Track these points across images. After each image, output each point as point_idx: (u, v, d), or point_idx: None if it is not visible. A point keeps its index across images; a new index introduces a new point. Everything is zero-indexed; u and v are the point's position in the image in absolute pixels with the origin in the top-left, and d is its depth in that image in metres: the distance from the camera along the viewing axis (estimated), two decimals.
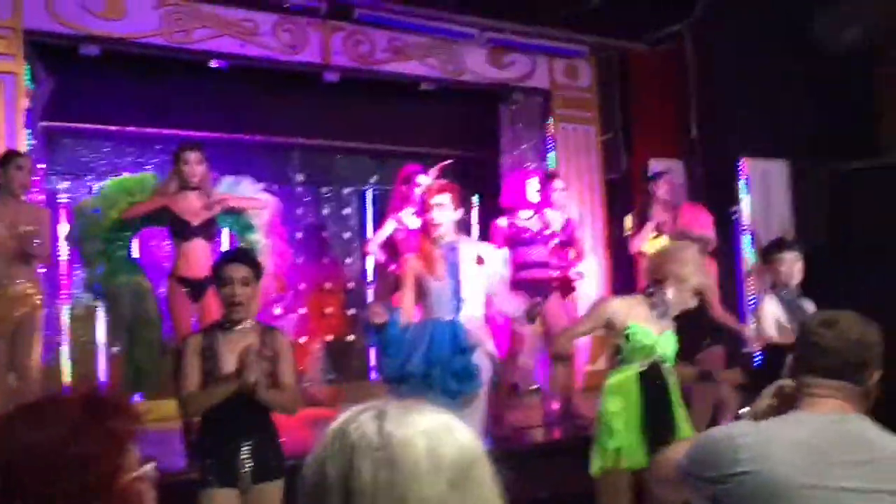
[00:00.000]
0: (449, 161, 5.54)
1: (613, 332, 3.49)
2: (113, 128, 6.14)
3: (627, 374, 3.45)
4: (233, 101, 6.32)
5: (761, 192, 6.95)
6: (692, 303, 3.57)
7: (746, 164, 7.02)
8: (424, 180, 5.34)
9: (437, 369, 3.89)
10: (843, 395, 1.89)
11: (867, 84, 7.32)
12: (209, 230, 4.79)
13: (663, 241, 6.16)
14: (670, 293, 3.47)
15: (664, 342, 3.51)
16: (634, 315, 3.48)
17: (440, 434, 0.98)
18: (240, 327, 3.30)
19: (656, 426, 3.40)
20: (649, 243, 6.11)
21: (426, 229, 4.11)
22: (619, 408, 3.40)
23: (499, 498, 1.00)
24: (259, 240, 5.07)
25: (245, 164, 6.66)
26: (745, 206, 6.95)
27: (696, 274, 3.53)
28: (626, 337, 3.44)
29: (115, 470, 1.19)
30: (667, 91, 7.56)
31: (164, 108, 6.08)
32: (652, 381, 3.45)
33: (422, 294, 4.05)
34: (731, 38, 7.16)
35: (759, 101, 6.96)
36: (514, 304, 4.36)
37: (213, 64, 6.02)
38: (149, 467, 1.26)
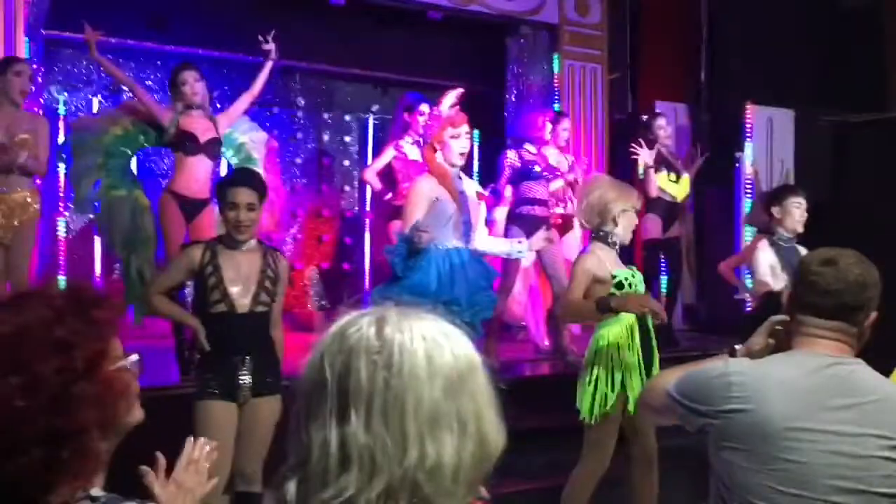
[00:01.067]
0: (463, 90, 5.46)
1: (601, 285, 3.45)
2: (113, 40, 6.02)
3: (627, 322, 3.45)
4: (235, 20, 6.19)
5: (765, 140, 6.90)
6: (635, 223, 3.65)
7: (752, 111, 6.95)
8: (426, 109, 5.27)
9: (482, 296, 3.88)
10: (838, 337, 1.88)
11: (875, 38, 7.22)
12: (214, 150, 4.75)
13: (684, 183, 6.17)
14: (620, 227, 3.52)
15: (639, 278, 3.56)
16: (610, 262, 3.50)
17: (438, 340, 0.98)
18: (245, 246, 3.31)
19: (648, 368, 3.46)
20: (671, 186, 6.11)
21: (446, 157, 3.98)
22: (618, 356, 3.43)
23: (491, 408, 1.00)
24: (259, 172, 5.02)
25: (245, 84, 6.58)
26: (749, 152, 6.91)
27: (630, 195, 3.64)
28: (618, 286, 3.43)
29: (98, 355, 1.22)
30: (676, 34, 7.45)
31: (165, 24, 5.96)
32: (643, 323, 3.48)
33: (436, 220, 3.91)
34: None
35: (768, 49, 6.87)
36: (497, 243, 4.34)
37: None
38: (133, 358, 1.29)
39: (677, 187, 6.17)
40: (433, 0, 6.67)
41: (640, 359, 3.46)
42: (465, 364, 0.99)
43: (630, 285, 3.46)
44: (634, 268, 3.64)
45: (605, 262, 3.48)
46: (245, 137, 5.15)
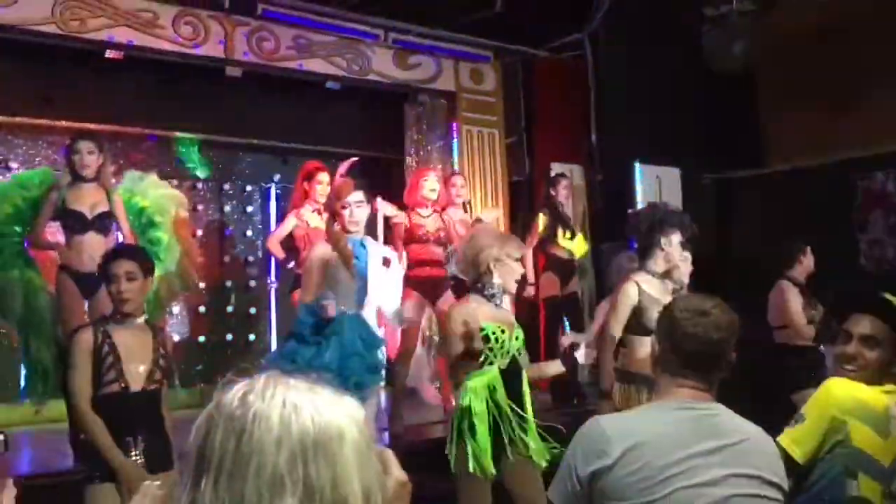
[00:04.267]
0: (356, 159, 5.56)
1: (470, 337, 3.38)
2: (2, 117, 5.90)
3: (491, 374, 3.34)
4: (130, 93, 6.17)
5: (655, 196, 7.22)
6: (519, 272, 3.52)
7: (641, 169, 7.29)
8: (325, 178, 5.34)
9: (355, 362, 3.89)
10: (702, 385, 1.97)
11: (750, 100, 7.73)
12: (104, 223, 4.67)
13: (580, 241, 6.38)
14: (496, 277, 3.43)
15: (517, 334, 3.50)
16: (482, 314, 3.41)
17: (298, 406, 1.00)
18: (134, 321, 3.27)
19: (515, 420, 3.36)
20: (568, 243, 6.30)
21: (342, 224, 4.07)
22: (482, 409, 3.30)
23: (359, 473, 1.00)
24: (162, 237, 4.97)
25: (143, 158, 6.54)
26: (639, 208, 7.19)
27: (506, 244, 3.50)
28: (485, 339, 3.36)
29: None
30: (568, 97, 7.78)
31: (58, 98, 5.89)
32: (511, 376, 3.41)
33: (330, 286, 4.00)
34: (629, 48, 7.45)
35: (653, 109, 7.25)
36: (406, 308, 4.40)
37: (109, 54, 5.85)
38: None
39: (573, 245, 6.39)
40: (331, 71, 6.80)
41: (509, 408, 3.32)
42: (324, 430, 1.00)
43: (497, 340, 3.35)
44: (515, 325, 3.52)
45: (476, 314, 3.37)
46: (147, 201, 5.06)
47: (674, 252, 4.03)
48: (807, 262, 5.34)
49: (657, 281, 4.02)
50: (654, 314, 3.81)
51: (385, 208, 5.72)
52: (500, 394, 3.32)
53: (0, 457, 1.34)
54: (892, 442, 2.27)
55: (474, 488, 3.35)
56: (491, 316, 3.44)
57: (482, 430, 3.27)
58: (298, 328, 3.98)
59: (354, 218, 4.05)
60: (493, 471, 3.32)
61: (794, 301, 5.20)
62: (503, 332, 3.40)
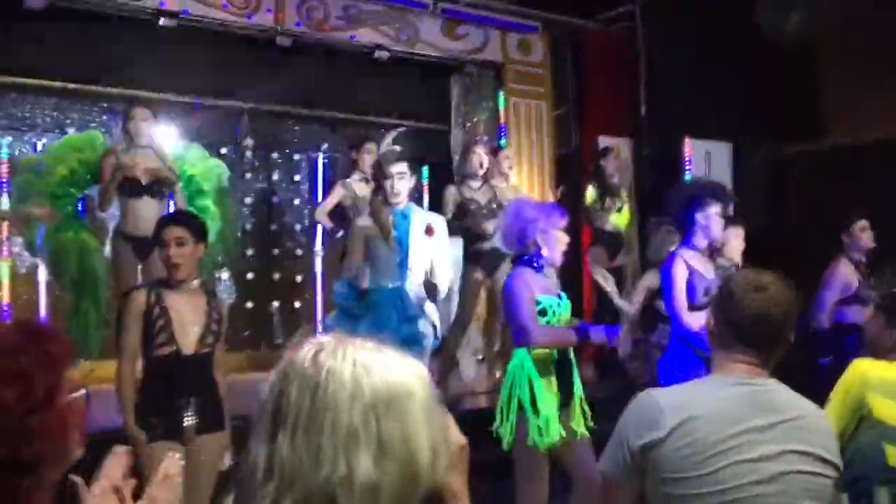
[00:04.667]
0: (402, 129, 5.57)
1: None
2: (57, 83, 6.01)
3: (543, 353, 3.37)
4: (182, 61, 6.21)
5: (704, 172, 7.12)
6: (564, 242, 3.52)
7: (691, 144, 7.18)
8: (373, 147, 5.36)
9: (383, 335, 3.93)
10: (757, 360, 1.96)
11: (807, 73, 7.53)
12: (159, 189, 4.76)
13: (625, 213, 6.34)
14: (543, 249, 3.44)
15: (565, 305, 3.52)
16: (538, 288, 3.43)
17: (369, 366, 1.04)
18: (187, 286, 3.32)
19: (568, 393, 3.44)
20: (618, 217, 6.27)
21: (384, 196, 4.11)
22: (543, 384, 3.35)
23: (426, 432, 1.04)
24: (208, 206, 5.05)
25: (193, 125, 6.61)
26: None
27: (551, 215, 3.50)
28: (542, 312, 3.38)
29: (54, 387, 1.28)
30: (617, 70, 7.67)
31: (111, 65, 5.97)
32: (563, 351, 3.45)
33: (370, 258, 4.07)
34: (680, 21, 7.29)
35: (705, 82, 7.10)
36: (450, 276, 4.40)
37: (162, 22, 5.91)
38: (81, 393, 1.33)
39: (619, 217, 6.34)
40: (379, 41, 6.79)
41: (558, 390, 3.38)
42: (395, 390, 1.04)
43: (553, 313, 3.40)
44: (564, 295, 3.55)
45: (531, 286, 3.39)
46: (196, 169, 5.16)
47: (713, 225, 3.94)
48: (864, 237, 5.14)
49: (700, 255, 3.96)
50: (700, 289, 3.80)
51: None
52: (550, 372, 3.37)
53: (81, 412, 1.38)
54: None
55: (534, 462, 3.35)
56: (543, 287, 3.46)
57: (546, 401, 3.29)
58: (337, 300, 4.05)
59: (396, 189, 4.05)
60: (556, 444, 3.33)
61: (837, 279, 5.04)
62: (559, 304, 3.45)
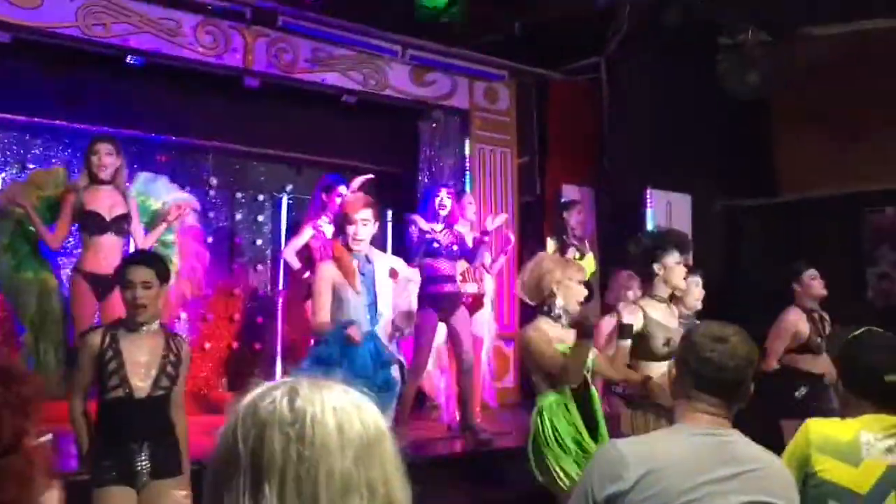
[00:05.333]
0: (371, 176, 5.61)
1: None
2: (21, 118, 5.95)
3: (565, 392, 3.55)
4: (148, 99, 6.20)
5: (665, 221, 7.25)
6: (581, 294, 3.68)
7: (652, 195, 7.32)
8: (344, 191, 5.38)
9: (361, 384, 3.89)
10: (720, 411, 1.99)
11: (765, 129, 7.77)
12: (121, 226, 4.69)
13: (589, 260, 6.41)
14: (560, 300, 3.60)
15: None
16: (555, 337, 3.58)
17: (348, 410, 1.03)
18: (146, 328, 3.29)
19: (592, 440, 3.52)
20: (584, 263, 6.33)
21: (346, 241, 4.12)
22: (566, 426, 3.49)
23: (399, 473, 1.05)
24: (172, 240, 5.00)
25: (158, 163, 6.57)
26: None
27: (568, 267, 3.71)
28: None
29: (23, 430, 1.24)
30: (581, 120, 7.82)
31: (77, 101, 5.93)
32: (583, 395, 3.57)
33: (337, 305, 4.05)
34: (644, 75, 7.49)
35: (666, 135, 7.29)
36: (413, 318, 4.41)
37: (130, 60, 5.90)
38: (48, 437, 1.30)
39: (584, 264, 6.39)
40: (348, 85, 6.85)
41: (580, 428, 3.52)
42: (374, 433, 1.03)
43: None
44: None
45: (548, 335, 3.56)
46: (159, 203, 5.10)
47: (673, 273, 3.99)
48: (814, 285, 5.24)
49: (663, 306, 4.00)
50: (660, 339, 3.85)
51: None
52: (574, 412, 3.50)
53: (48, 455, 1.35)
54: (864, 468, 2.28)
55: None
56: (560, 337, 3.59)
57: (572, 446, 3.44)
58: (324, 352, 3.99)
59: (359, 236, 4.06)
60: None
61: (785, 326, 5.13)
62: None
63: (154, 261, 3.44)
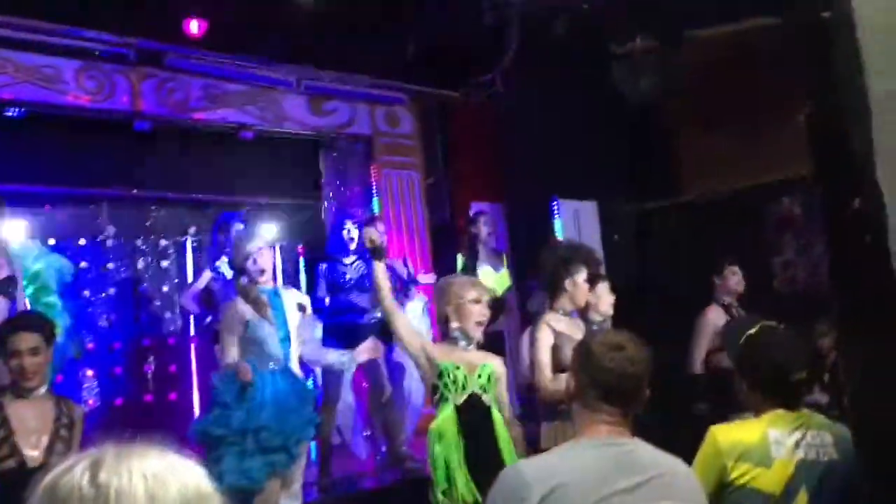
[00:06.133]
0: (247, 209, 5.50)
1: (433, 376, 3.45)
2: None
3: (446, 413, 3.40)
4: (34, 151, 5.94)
5: (574, 230, 7.31)
6: (482, 317, 3.52)
7: (559, 205, 7.38)
8: (240, 227, 5.25)
9: (293, 419, 3.82)
10: (619, 420, 1.97)
11: (663, 130, 7.95)
12: (7, 288, 4.45)
13: (502, 277, 6.39)
14: (454, 322, 3.49)
15: (480, 372, 3.48)
16: (445, 355, 3.48)
17: (162, 477, 0.94)
18: (35, 393, 3.10)
19: (479, 461, 3.35)
20: (496, 280, 6.30)
21: (249, 276, 4.02)
22: (440, 450, 3.34)
23: None
24: (55, 301, 4.79)
25: (49, 216, 6.30)
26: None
27: (461, 288, 3.54)
28: (439, 375, 3.42)
29: None
30: (484, 136, 7.85)
31: None
32: (470, 414, 3.42)
33: (252, 341, 3.92)
34: (540, 86, 7.57)
35: (568, 144, 7.36)
36: (326, 353, 4.31)
37: (10, 112, 5.64)
38: None
39: (496, 281, 6.39)
40: (245, 120, 6.71)
41: (463, 451, 3.34)
42: (193, 498, 0.95)
43: (449, 375, 3.40)
44: (484, 365, 3.52)
45: (442, 355, 3.44)
46: (39, 265, 4.90)
47: (579, 292, 4.01)
48: (733, 280, 5.31)
49: (567, 318, 4.01)
50: (568, 352, 3.82)
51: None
52: (453, 434, 3.33)
53: None
54: (776, 468, 2.28)
55: None
56: (451, 356, 3.45)
57: (441, 472, 3.28)
58: (221, 397, 3.89)
59: (260, 266, 3.98)
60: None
61: (706, 325, 5.17)
62: (457, 368, 3.41)
63: (41, 324, 3.26)
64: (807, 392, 2.55)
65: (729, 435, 2.35)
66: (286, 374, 3.97)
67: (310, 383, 4.20)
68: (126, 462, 0.94)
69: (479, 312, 3.51)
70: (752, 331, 2.49)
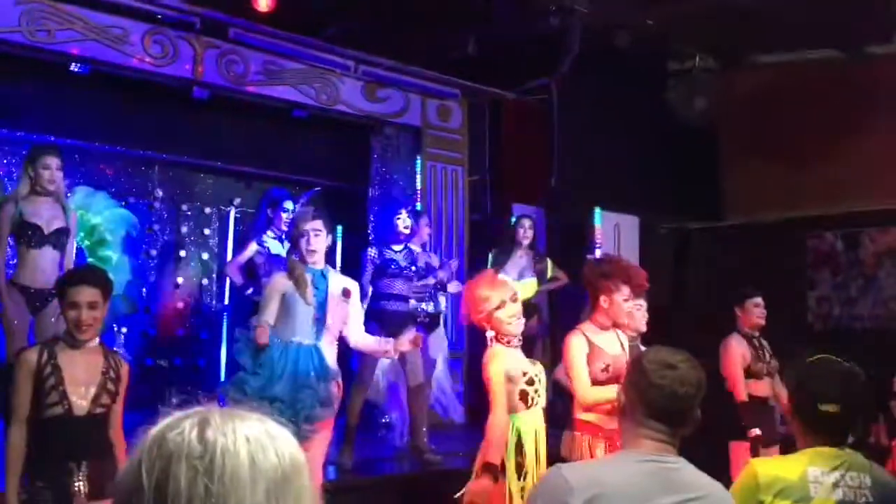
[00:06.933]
0: (318, 189, 5.55)
1: (512, 384, 3.46)
2: None
3: (537, 415, 3.50)
4: (94, 109, 6.07)
5: (613, 242, 7.32)
6: (511, 311, 3.53)
7: (600, 215, 7.39)
8: (290, 206, 5.32)
9: (306, 394, 3.88)
10: (666, 438, 1.98)
11: (712, 153, 7.93)
12: (60, 239, 4.56)
13: (530, 283, 6.40)
14: (501, 323, 3.49)
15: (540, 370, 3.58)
16: (518, 360, 3.52)
17: (262, 442, 0.98)
18: (88, 344, 3.19)
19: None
20: (521, 287, 6.31)
21: (300, 255, 4.08)
22: (529, 448, 3.43)
23: None
24: (111, 256, 4.87)
25: (101, 174, 6.43)
26: (598, 254, 7.29)
27: (494, 290, 3.55)
28: (530, 381, 3.47)
29: None
30: (532, 140, 7.87)
31: (18, 108, 5.76)
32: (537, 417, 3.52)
33: (285, 314, 4.00)
34: (594, 96, 7.58)
35: (615, 157, 7.38)
36: (370, 338, 4.37)
37: (75, 68, 5.75)
38: None
39: (521, 287, 6.39)
40: (299, 99, 6.79)
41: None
42: (289, 465, 0.98)
43: (539, 381, 3.50)
44: (536, 366, 3.60)
45: (509, 360, 3.46)
46: (98, 218, 4.98)
47: (615, 308, 3.97)
48: (755, 313, 5.29)
49: (605, 332, 3.99)
50: (600, 365, 3.85)
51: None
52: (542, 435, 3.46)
53: None
54: None
55: None
56: (519, 360, 3.52)
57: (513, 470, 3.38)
58: (239, 354, 3.99)
59: (312, 247, 4.05)
60: None
61: (734, 357, 5.17)
62: (540, 373, 3.51)
63: (100, 279, 3.32)
64: (858, 431, 2.52)
65: (769, 470, 2.36)
66: (311, 352, 4.01)
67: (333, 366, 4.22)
68: (231, 423, 0.97)
69: (512, 310, 3.54)
70: (812, 359, 2.50)
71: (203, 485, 0.92)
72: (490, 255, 6.47)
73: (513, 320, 3.53)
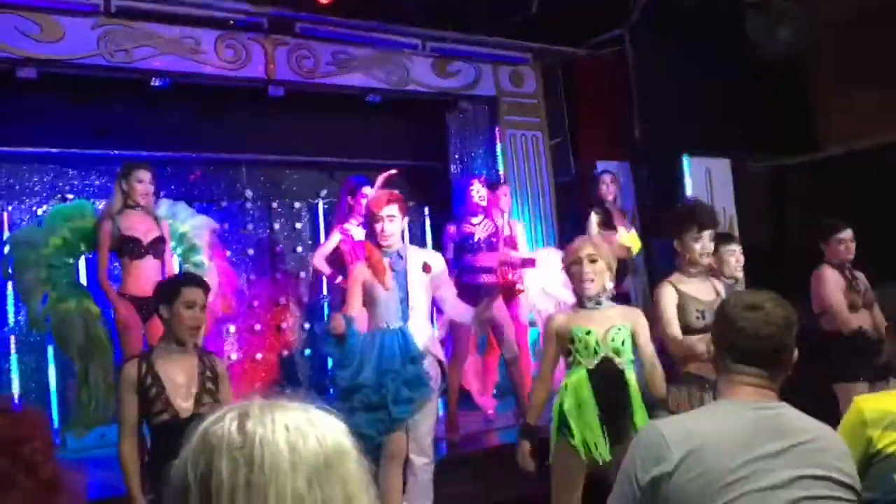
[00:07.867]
0: (393, 171, 5.58)
1: (564, 342, 3.54)
2: (54, 150, 6.06)
3: (579, 374, 3.48)
4: (177, 119, 6.28)
5: (705, 189, 7.10)
6: (609, 282, 3.57)
7: (689, 162, 7.17)
8: (370, 191, 5.38)
9: (389, 378, 3.93)
10: (763, 382, 1.92)
11: (801, 85, 7.55)
12: (158, 248, 4.78)
13: (633, 236, 6.30)
14: (574, 283, 3.58)
15: (614, 336, 3.52)
16: (575, 320, 3.55)
17: (302, 429, 0.99)
18: (181, 348, 3.32)
19: (612, 423, 3.44)
20: (628, 238, 6.21)
21: (375, 239, 4.15)
22: (572, 405, 3.43)
23: (366, 491, 1.01)
24: (203, 261, 5.08)
25: (190, 182, 6.66)
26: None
27: (568, 252, 3.61)
28: (571, 340, 3.50)
29: (41, 455, 1.32)
30: (610, 94, 7.69)
31: (107, 128, 6.02)
32: (603, 378, 3.47)
33: (369, 302, 4.09)
34: (670, 41, 7.33)
35: (698, 100, 7.12)
36: (462, 308, 4.39)
37: (155, 83, 5.96)
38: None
39: (629, 240, 6.28)
40: (371, 84, 6.83)
41: (598, 414, 3.43)
42: (332, 450, 0.99)
43: (580, 340, 3.49)
44: (614, 326, 3.56)
45: (571, 320, 3.54)
46: (186, 226, 5.21)
47: (689, 251, 3.90)
48: (841, 248, 5.02)
49: (695, 279, 3.93)
50: (693, 312, 3.77)
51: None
52: (586, 393, 3.42)
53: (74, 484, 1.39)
54: None
55: (562, 477, 3.46)
56: (584, 320, 3.54)
57: (577, 424, 3.41)
58: (325, 347, 4.10)
59: (386, 232, 4.08)
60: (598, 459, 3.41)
61: (832, 286, 4.93)
62: (588, 333, 3.49)
63: (202, 281, 3.49)
64: None
65: (875, 405, 2.27)
66: (396, 334, 4.05)
67: (434, 346, 4.25)
68: (270, 413, 0.99)
69: (585, 271, 3.52)
70: None
71: (244, 475, 0.95)
72: (593, 219, 6.35)
73: (586, 278, 3.54)
